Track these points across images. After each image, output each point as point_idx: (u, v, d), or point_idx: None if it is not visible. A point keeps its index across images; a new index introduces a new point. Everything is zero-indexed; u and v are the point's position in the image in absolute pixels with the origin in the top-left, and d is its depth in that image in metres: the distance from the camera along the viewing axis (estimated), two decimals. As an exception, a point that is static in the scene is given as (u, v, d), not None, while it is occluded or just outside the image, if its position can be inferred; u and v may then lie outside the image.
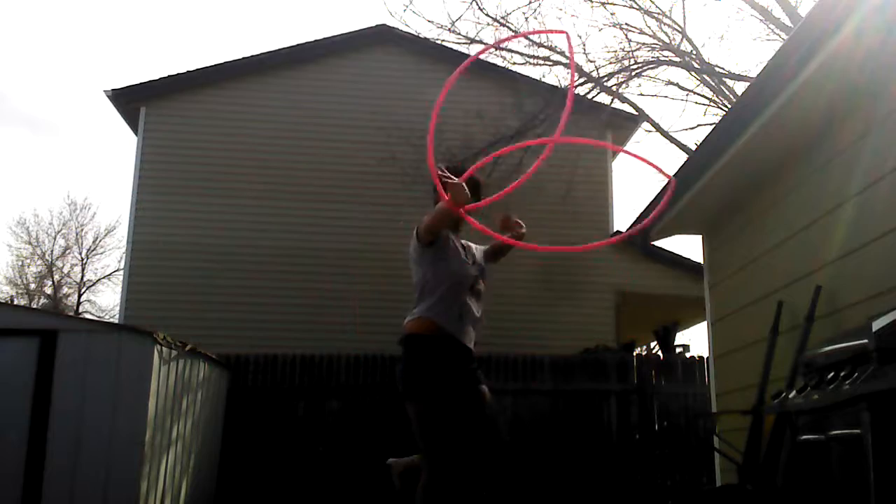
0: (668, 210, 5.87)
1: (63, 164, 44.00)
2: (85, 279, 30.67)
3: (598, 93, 11.91)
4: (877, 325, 2.53)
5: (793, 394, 3.20)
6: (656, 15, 12.37)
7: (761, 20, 12.28)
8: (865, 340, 2.56)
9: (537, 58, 12.14)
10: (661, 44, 12.39)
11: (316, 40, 12.72)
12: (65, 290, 31.38)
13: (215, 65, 12.46)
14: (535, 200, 11.57)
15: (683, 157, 11.66)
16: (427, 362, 3.31)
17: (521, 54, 12.18)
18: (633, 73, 11.84)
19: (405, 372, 3.34)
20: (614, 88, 11.88)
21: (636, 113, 12.54)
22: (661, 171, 3.69)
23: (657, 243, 9.48)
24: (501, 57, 12.18)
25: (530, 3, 11.89)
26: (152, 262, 11.61)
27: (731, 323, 5.69)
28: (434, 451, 3.24)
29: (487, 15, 12.04)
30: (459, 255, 3.56)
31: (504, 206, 3.66)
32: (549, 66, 12.19)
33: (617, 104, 12.28)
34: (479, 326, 3.55)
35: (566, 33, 3.85)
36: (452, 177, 3.45)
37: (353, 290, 11.45)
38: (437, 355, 3.32)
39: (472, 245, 3.76)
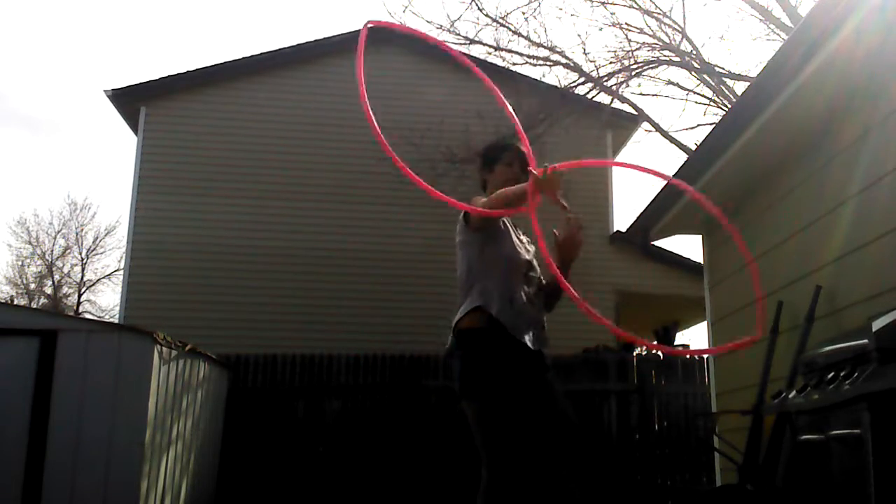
0: (667, 209, 5.88)
1: (63, 164, 44.04)
2: (85, 279, 30.69)
3: (598, 93, 11.91)
4: (877, 325, 2.53)
5: (793, 394, 3.20)
6: (656, 15, 12.37)
7: (761, 20, 12.29)
8: (865, 340, 2.56)
9: (537, 58, 12.15)
10: (661, 44, 12.39)
11: (316, 40, 12.72)
12: (65, 290, 31.40)
13: (215, 65, 12.46)
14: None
15: (683, 157, 11.65)
16: (484, 357, 2.97)
17: (521, 54, 12.19)
18: (633, 73, 11.85)
19: (462, 370, 3.02)
20: (614, 88, 11.88)
21: (636, 113, 12.54)
22: (661, 175, 3.61)
23: (657, 243, 9.48)
24: (501, 57, 12.19)
25: (530, 2, 11.90)
26: (152, 262, 11.61)
27: (731, 323, 5.69)
28: (495, 454, 2.99)
29: (487, 15, 12.05)
30: (511, 236, 3.17)
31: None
32: (549, 66, 12.20)
33: (617, 104, 12.29)
34: (541, 318, 3.15)
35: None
36: (531, 161, 3.12)
37: (353, 291, 11.45)
38: (494, 349, 2.97)
39: (521, 233, 3.33)
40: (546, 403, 3.06)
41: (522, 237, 3.27)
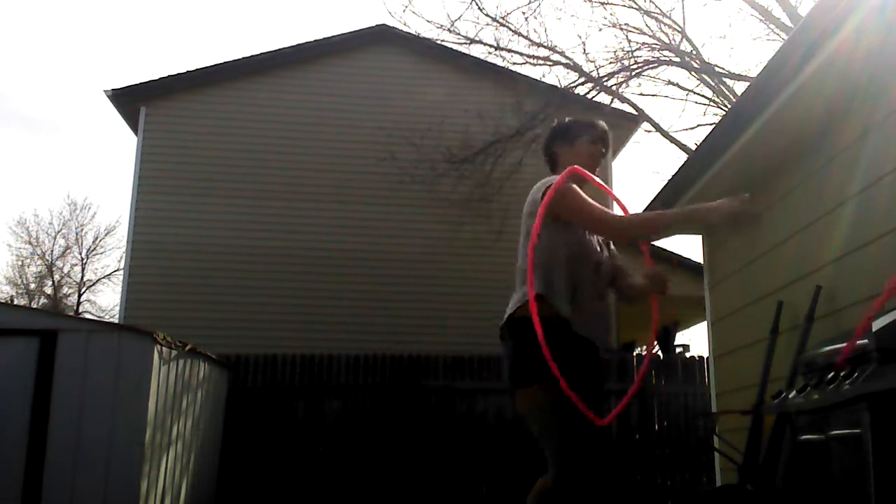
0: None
1: (63, 164, 44.04)
2: (85, 279, 30.70)
3: (598, 93, 11.92)
4: (877, 325, 2.52)
5: (793, 394, 3.20)
6: (656, 15, 12.39)
7: (761, 20, 12.30)
8: (865, 340, 2.56)
9: (537, 58, 12.16)
10: (660, 44, 12.40)
11: (316, 40, 12.72)
12: (65, 290, 31.41)
13: (215, 65, 12.46)
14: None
15: (683, 157, 11.66)
16: (546, 341, 2.61)
17: (521, 54, 12.20)
18: (633, 73, 11.86)
19: (518, 359, 2.73)
20: (614, 88, 11.89)
21: (636, 113, 12.55)
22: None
23: (657, 243, 9.48)
24: (501, 57, 12.21)
25: (530, 2, 11.91)
26: (152, 262, 11.61)
27: (731, 323, 5.69)
28: (567, 446, 2.63)
29: (487, 15, 12.07)
30: None
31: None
32: (549, 66, 12.20)
33: (617, 104, 12.30)
34: (605, 316, 2.91)
35: None
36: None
37: (353, 291, 11.45)
38: (558, 339, 2.66)
39: None
40: (600, 405, 2.84)
41: None
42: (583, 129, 3.11)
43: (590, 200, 2.84)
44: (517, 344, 2.75)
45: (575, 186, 2.85)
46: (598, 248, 2.93)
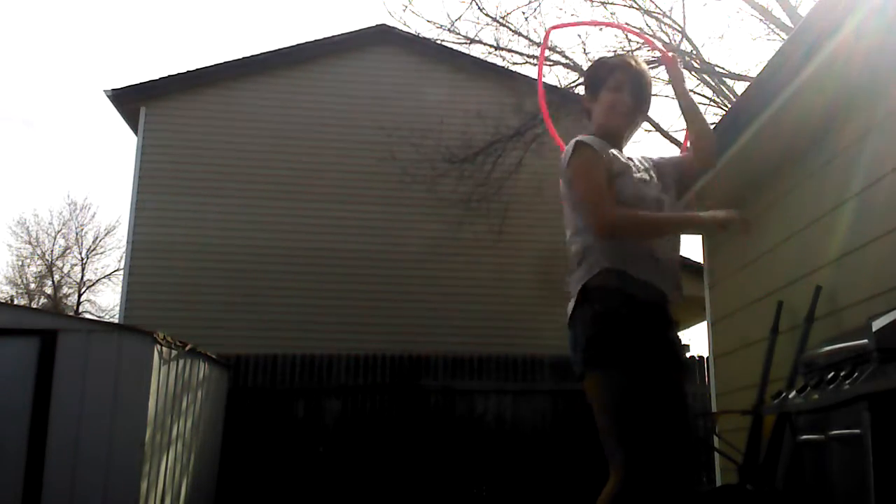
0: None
1: (63, 164, 44.02)
2: (85, 279, 30.69)
3: (599, 93, 11.90)
4: (877, 325, 2.53)
5: (793, 394, 3.20)
6: (656, 15, 12.40)
7: (761, 20, 12.30)
8: (865, 340, 2.56)
9: (537, 58, 12.15)
10: (661, 43, 12.39)
11: (316, 40, 12.72)
12: (65, 290, 31.40)
13: (215, 65, 12.46)
14: (535, 200, 11.59)
15: (683, 157, 11.64)
16: (621, 320, 2.31)
17: (521, 54, 12.20)
18: (634, 73, 11.84)
19: (589, 338, 2.33)
20: (614, 88, 11.87)
21: (636, 113, 12.54)
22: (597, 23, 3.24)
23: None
24: (501, 57, 12.21)
25: (530, 2, 11.91)
26: (152, 262, 11.61)
27: (731, 323, 5.69)
28: (635, 440, 2.26)
29: (487, 15, 12.05)
30: (631, 172, 2.49)
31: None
32: (549, 65, 12.19)
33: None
34: (677, 267, 2.51)
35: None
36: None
37: (353, 291, 11.45)
38: (633, 312, 2.33)
39: (637, 158, 2.62)
40: (681, 391, 2.41)
41: (642, 168, 2.58)
42: (603, 72, 2.63)
43: (591, 185, 2.44)
44: (582, 322, 2.37)
45: (582, 164, 2.46)
46: (658, 198, 2.49)
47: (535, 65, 12.20)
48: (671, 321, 2.44)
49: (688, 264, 11.57)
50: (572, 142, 2.51)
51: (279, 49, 12.55)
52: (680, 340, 2.46)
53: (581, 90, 11.67)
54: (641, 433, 2.26)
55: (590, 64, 2.74)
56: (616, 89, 2.56)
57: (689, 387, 2.40)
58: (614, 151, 2.51)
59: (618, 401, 2.29)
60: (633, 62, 2.63)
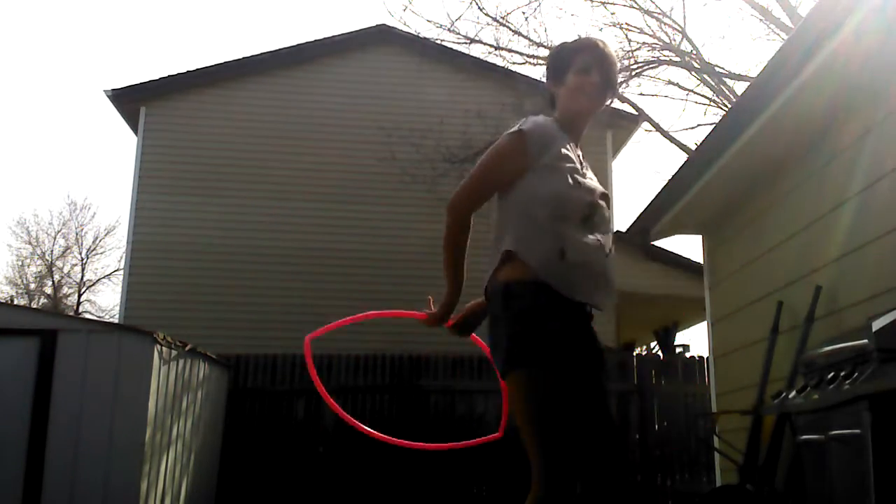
0: (667, 209, 5.88)
1: (63, 164, 44.04)
2: (85, 279, 30.71)
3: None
4: (877, 325, 2.53)
5: (793, 394, 3.20)
6: (656, 15, 12.40)
7: (761, 20, 12.30)
8: (865, 340, 2.56)
9: (537, 58, 12.16)
10: (661, 43, 12.41)
11: (316, 40, 12.72)
12: (65, 290, 31.41)
13: (215, 65, 12.46)
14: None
15: (683, 157, 11.66)
16: (544, 318, 2.23)
17: (521, 54, 12.20)
18: (634, 73, 11.86)
19: (511, 336, 2.25)
20: (614, 88, 11.88)
21: (636, 113, 12.55)
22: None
23: (657, 243, 9.48)
24: (501, 57, 12.21)
25: (530, 2, 11.92)
26: (152, 262, 11.61)
27: (731, 323, 5.69)
28: (554, 448, 2.20)
29: (487, 15, 12.07)
30: (576, 170, 2.37)
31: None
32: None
33: (617, 104, 12.29)
34: (608, 272, 2.37)
35: None
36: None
37: (353, 291, 11.45)
38: (555, 309, 2.25)
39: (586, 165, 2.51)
40: (600, 393, 2.35)
41: (589, 172, 2.46)
42: (571, 56, 2.49)
43: (485, 174, 2.39)
44: (499, 317, 2.31)
45: (500, 153, 2.37)
46: (591, 202, 2.36)
47: (535, 65, 12.21)
48: (591, 318, 2.37)
49: (688, 264, 11.61)
50: (519, 124, 2.39)
51: (279, 49, 12.55)
52: (597, 337, 2.40)
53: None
54: (561, 440, 2.21)
55: (553, 48, 2.63)
56: (584, 71, 2.44)
57: (607, 383, 2.38)
58: (569, 146, 2.40)
59: (539, 401, 2.22)
60: (599, 43, 2.51)
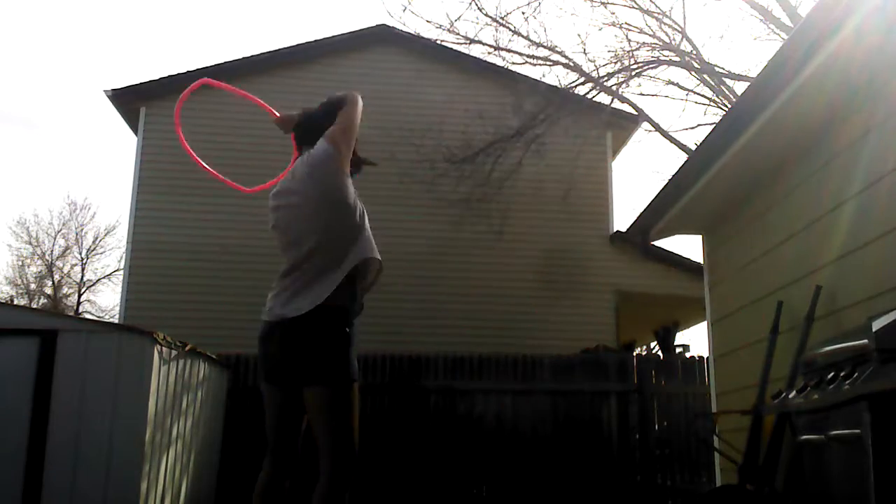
0: (667, 209, 5.88)
1: (63, 164, 44.03)
2: (85, 279, 30.71)
3: (598, 93, 11.92)
4: (877, 325, 2.53)
5: (793, 394, 3.20)
6: (656, 15, 12.39)
7: (761, 20, 12.29)
8: (865, 340, 2.56)
9: (537, 58, 12.15)
10: (661, 43, 12.40)
11: (316, 40, 12.72)
12: (65, 290, 31.41)
13: (215, 65, 12.45)
14: (535, 200, 11.60)
15: (683, 157, 11.66)
16: (350, 339, 2.97)
17: (521, 54, 12.20)
18: (633, 73, 11.86)
19: (326, 353, 2.89)
20: (614, 88, 11.89)
21: (636, 113, 12.55)
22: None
23: (657, 243, 9.48)
24: (501, 57, 12.20)
25: (530, 2, 11.91)
26: (152, 262, 11.61)
27: (731, 323, 5.69)
28: (349, 442, 2.91)
29: (487, 15, 12.05)
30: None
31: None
32: (549, 66, 12.20)
33: (617, 104, 12.30)
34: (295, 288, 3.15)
35: None
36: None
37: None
38: (352, 330, 3.02)
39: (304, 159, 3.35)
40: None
41: (300, 167, 3.33)
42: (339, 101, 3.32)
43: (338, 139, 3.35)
44: (322, 334, 2.85)
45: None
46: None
47: (534, 65, 12.21)
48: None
49: (688, 264, 11.62)
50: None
51: (279, 49, 12.55)
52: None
53: (580, 90, 11.74)
54: (353, 433, 2.88)
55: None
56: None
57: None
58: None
59: (343, 412, 2.86)
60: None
